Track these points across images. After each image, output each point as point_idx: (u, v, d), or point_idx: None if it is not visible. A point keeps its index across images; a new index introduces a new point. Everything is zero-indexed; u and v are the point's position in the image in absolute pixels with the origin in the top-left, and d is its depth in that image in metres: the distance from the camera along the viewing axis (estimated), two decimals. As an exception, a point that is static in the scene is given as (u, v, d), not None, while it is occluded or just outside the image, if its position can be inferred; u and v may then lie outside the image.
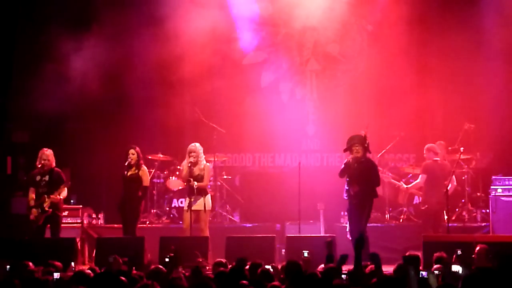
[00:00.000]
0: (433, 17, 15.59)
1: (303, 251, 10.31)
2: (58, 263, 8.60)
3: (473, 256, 9.77)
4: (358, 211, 11.88)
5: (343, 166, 12.08)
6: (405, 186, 14.17)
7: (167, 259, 8.45)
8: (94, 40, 14.92)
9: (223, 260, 9.28)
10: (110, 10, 15.02)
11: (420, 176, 13.75)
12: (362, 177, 11.90)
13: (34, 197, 12.39)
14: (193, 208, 12.47)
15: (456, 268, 8.06)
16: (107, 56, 15.16)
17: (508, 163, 14.30)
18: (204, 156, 12.85)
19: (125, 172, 12.65)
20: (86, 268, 8.35)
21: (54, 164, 12.54)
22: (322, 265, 8.54)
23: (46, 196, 12.30)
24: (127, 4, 15.44)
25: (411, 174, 14.93)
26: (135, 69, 15.21)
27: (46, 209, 12.29)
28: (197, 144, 12.81)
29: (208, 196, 12.72)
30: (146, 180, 12.86)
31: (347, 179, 12.01)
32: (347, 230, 12.45)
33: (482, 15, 14.88)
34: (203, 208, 12.52)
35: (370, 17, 15.64)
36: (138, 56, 15.10)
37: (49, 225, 12.42)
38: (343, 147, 12.22)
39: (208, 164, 12.90)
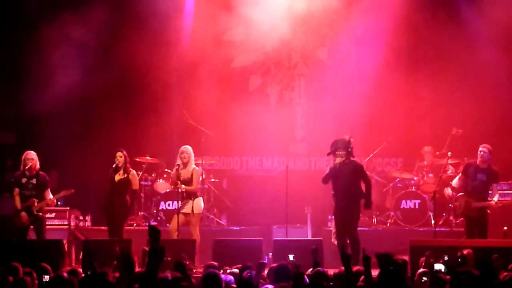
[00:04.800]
0: (423, 22, 15.62)
1: (289, 255, 10.32)
2: (47, 265, 8.55)
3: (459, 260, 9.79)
4: (345, 215, 11.89)
5: (327, 172, 12.05)
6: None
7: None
8: (81, 42, 14.89)
9: (216, 264, 9.28)
10: (100, 13, 14.98)
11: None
12: (348, 180, 11.88)
13: (19, 199, 12.32)
14: (182, 211, 12.47)
15: (439, 266, 8.11)
16: (94, 58, 15.15)
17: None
18: (194, 161, 12.82)
19: (113, 176, 12.60)
20: (66, 271, 8.31)
21: (38, 166, 12.44)
22: (310, 269, 8.56)
23: (36, 200, 12.23)
24: (114, 7, 15.40)
25: (398, 179, 14.98)
26: (122, 72, 15.18)
27: (35, 212, 12.22)
28: (190, 148, 12.78)
29: (198, 200, 12.65)
30: (136, 183, 12.81)
31: (333, 184, 12.01)
32: (332, 234, 12.49)
33: (470, 24, 14.96)
34: (191, 211, 12.50)
35: (359, 21, 15.65)
36: (126, 58, 15.04)
37: (32, 227, 12.31)
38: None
39: (197, 168, 12.87)
